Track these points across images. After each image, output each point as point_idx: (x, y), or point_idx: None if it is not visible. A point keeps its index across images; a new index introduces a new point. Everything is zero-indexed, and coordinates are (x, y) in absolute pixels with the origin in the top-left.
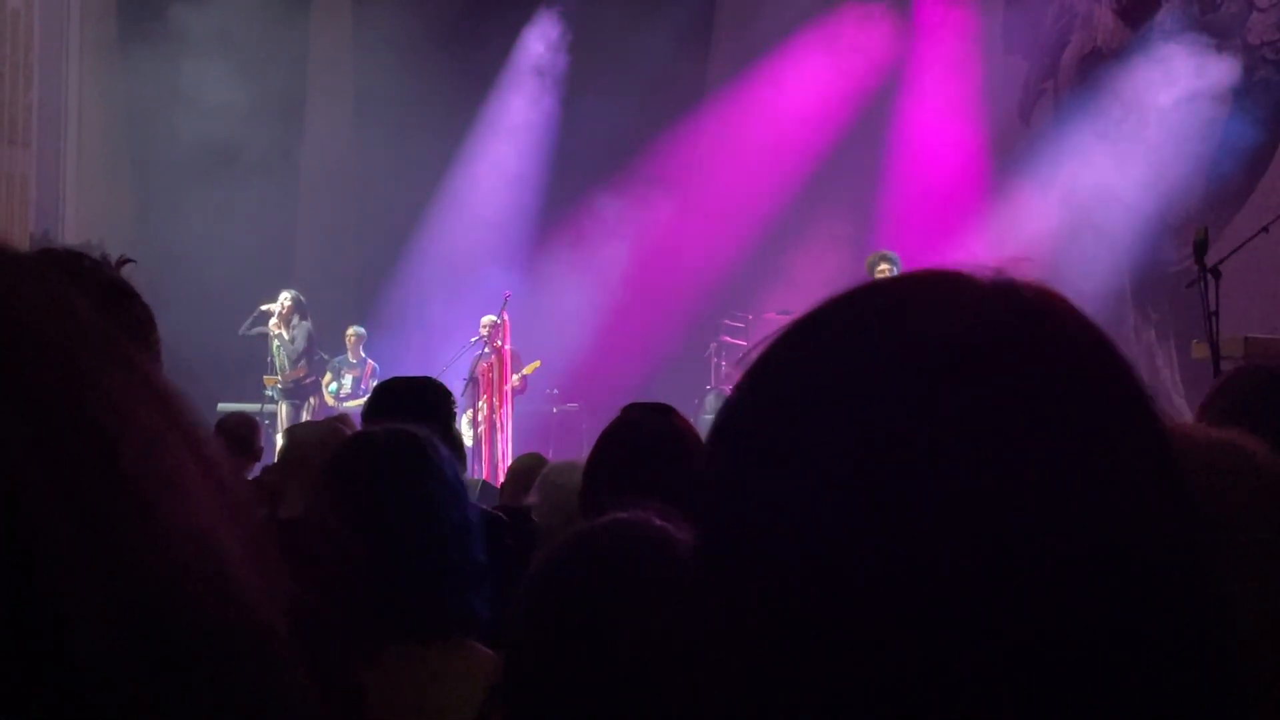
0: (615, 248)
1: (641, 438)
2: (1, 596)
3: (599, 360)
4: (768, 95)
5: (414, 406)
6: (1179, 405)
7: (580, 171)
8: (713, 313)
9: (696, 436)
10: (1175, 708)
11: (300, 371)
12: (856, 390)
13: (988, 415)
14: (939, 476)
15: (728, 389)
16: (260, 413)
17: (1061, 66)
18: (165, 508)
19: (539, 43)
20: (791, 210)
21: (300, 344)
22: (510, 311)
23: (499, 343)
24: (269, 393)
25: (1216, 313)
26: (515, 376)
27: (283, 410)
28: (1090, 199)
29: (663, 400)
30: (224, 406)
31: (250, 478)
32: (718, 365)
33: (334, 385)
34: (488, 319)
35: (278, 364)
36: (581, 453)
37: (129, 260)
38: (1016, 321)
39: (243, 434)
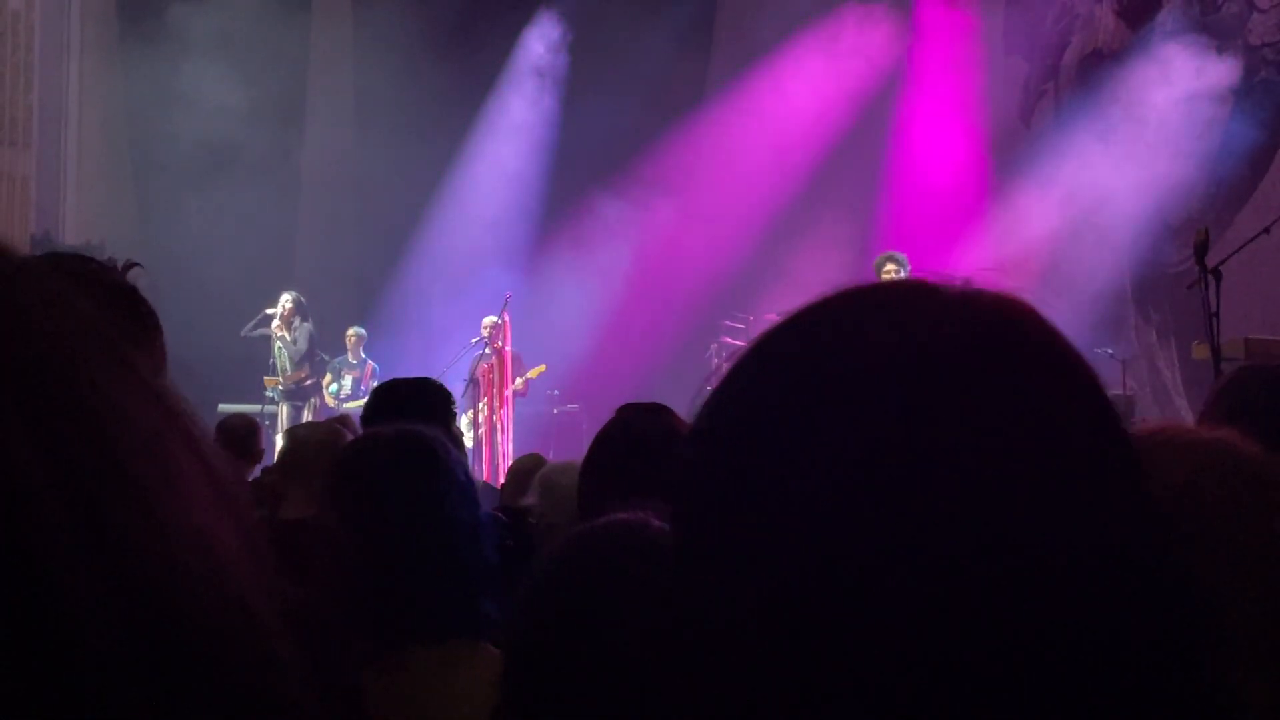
0: (616, 248)
1: (636, 438)
2: (0, 594)
3: (599, 361)
4: (768, 96)
5: (413, 407)
6: (1180, 406)
7: (580, 172)
8: (713, 313)
9: None
10: (1143, 704)
11: (302, 373)
12: (823, 397)
13: (949, 422)
14: (904, 481)
15: None
16: (260, 414)
17: (1062, 68)
18: (164, 507)
19: (539, 43)
20: (792, 211)
21: (303, 345)
22: (511, 312)
23: (499, 343)
24: (269, 394)
25: (1217, 314)
26: (519, 380)
27: (283, 411)
28: (1091, 200)
29: (663, 401)
30: (224, 407)
31: (251, 479)
32: (718, 366)
33: (334, 386)
34: (489, 320)
35: (279, 366)
36: (581, 453)
37: (135, 264)
38: (978, 330)
39: (243, 435)
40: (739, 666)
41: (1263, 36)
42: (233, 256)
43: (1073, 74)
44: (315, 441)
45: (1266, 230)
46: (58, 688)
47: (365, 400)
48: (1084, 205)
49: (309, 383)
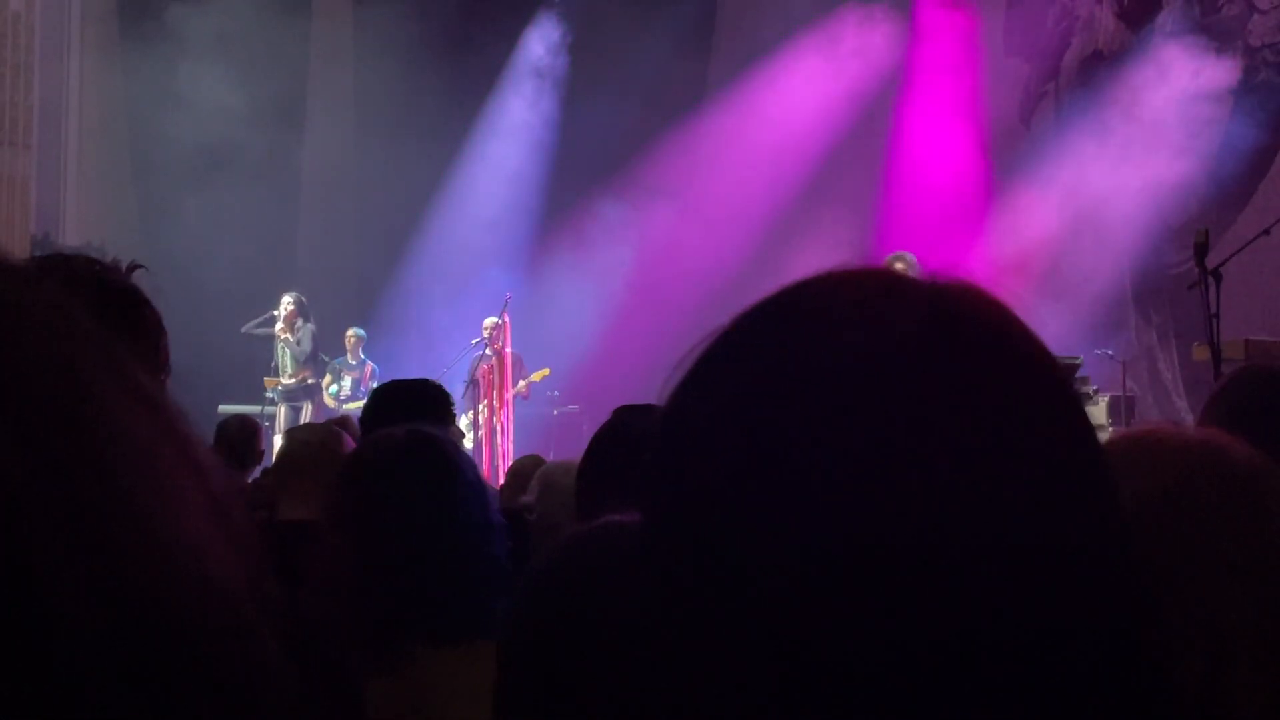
0: (616, 249)
1: (631, 439)
2: None
3: (600, 362)
4: (768, 97)
5: (412, 408)
6: (1180, 408)
7: (581, 173)
8: (713, 314)
9: None
10: (1082, 695)
11: (305, 374)
12: (784, 389)
13: (911, 414)
14: (866, 472)
15: None
16: (260, 414)
17: (1062, 69)
18: (157, 517)
19: (539, 45)
20: (792, 212)
21: (307, 346)
22: (511, 313)
23: (500, 345)
24: (269, 394)
25: (1217, 315)
26: (522, 383)
27: (282, 412)
28: (1091, 201)
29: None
30: (224, 408)
31: (250, 479)
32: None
33: (334, 387)
34: (489, 321)
35: (281, 366)
36: (581, 454)
37: (139, 266)
38: (942, 323)
39: (244, 437)
40: (712, 660)
41: (1263, 38)
42: (232, 257)
43: (1073, 75)
44: (314, 443)
45: (1266, 232)
46: (48, 694)
47: (364, 401)
48: (1084, 206)
49: (309, 383)
